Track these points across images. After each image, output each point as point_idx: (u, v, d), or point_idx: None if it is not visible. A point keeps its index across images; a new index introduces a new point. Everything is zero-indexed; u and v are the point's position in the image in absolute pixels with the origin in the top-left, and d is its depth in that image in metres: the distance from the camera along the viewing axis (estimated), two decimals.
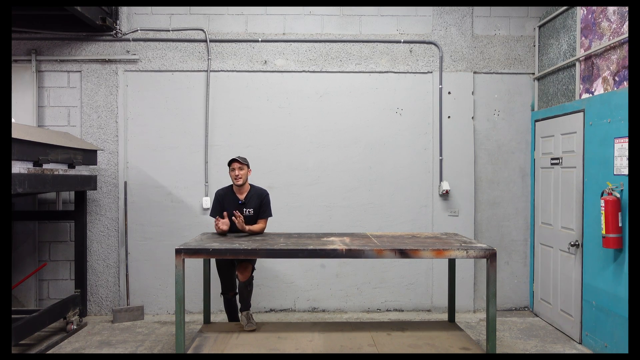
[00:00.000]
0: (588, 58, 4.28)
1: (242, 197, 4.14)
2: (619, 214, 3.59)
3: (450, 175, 5.23)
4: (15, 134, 3.46)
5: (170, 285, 5.11)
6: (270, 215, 4.22)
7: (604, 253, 3.88)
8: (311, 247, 3.46)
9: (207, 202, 5.11)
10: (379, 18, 5.28)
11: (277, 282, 5.24)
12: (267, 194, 4.23)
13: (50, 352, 4.10)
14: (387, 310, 5.28)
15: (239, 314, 4.14)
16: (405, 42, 5.25)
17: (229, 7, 5.22)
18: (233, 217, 3.92)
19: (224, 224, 3.93)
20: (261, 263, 5.08)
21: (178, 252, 3.38)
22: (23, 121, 4.93)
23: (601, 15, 4.09)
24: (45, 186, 3.94)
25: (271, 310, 5.24)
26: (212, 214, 4.15)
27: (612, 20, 3.95)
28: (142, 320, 4.98)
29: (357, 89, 5.27)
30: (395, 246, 3.47)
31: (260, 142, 5.22)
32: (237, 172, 4.04)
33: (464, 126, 5.25)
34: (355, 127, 5.26)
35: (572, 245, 4.35)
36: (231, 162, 4.05)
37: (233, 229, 4.09)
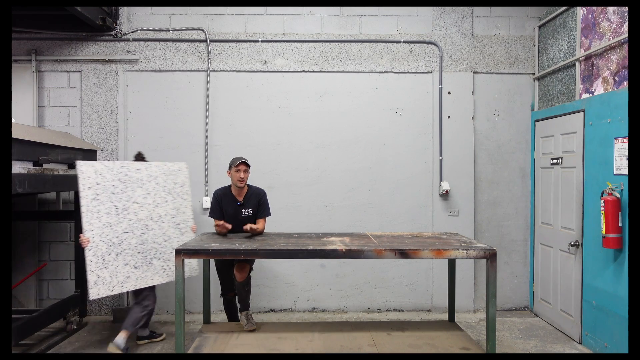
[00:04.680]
0: (588, 58, 4.28)
1: (240, 198, 4.13)
2: (619, 214, 3.59)
3: (450, 175, 5.23)
4: (15, 134, 3.47)
5: (170, 285, 5.11)
6: (269, 214, 4.22)
7: (604, 253, 3.88)
8: (311, 247, 3.46)
9: (207, 202, 5.11)
10: (379, 18, 5.28)
11: (277, 282, 5.24)
12: (265, 194, 4.23)
13: (50, 352, 4.10)
14: (387, 310, 5.28)
15: (239, 314, 4.14)
16: (405, 42, 5.25)
17: (229, 7, 5.22)
18: (247, 229, 3.92)
19: (224, 227, 3.94)
20: (261, 263, 5.08)
21: (178, 252, 3.38)
22: (23, 121, 4.94)
23: (601, 15, 4.09)
24: (45, 186, 3.94)
25: (271, 310, 5.24)
26: (212, 215, 4.15)
27: (612, 20, 3.94)
28: None
29: (357, 89, 5.27)
30: (395, 246, 3.47)
31: (260, 142, 5.22)
32: (242, 175, 4.02)
33: (464, 126, 5.25)
34: (355, 127, 5.26)
35: (572, 245, 4.35)
36: (239, 164, 4.01)
37: (232, 230, 4.09)
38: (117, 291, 3.85)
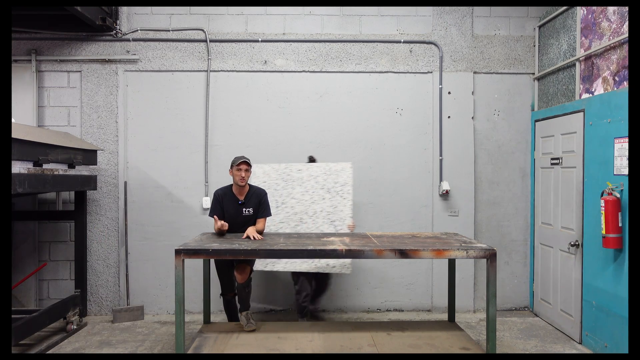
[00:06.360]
0: (588, 58, 4.28)
1: (241, 197, 4.14)
2: (619, 214, 3.59)
3: (450, 175, 5.23)
4: (15, 134, 3.47)
5: (170, 285, 5.11)
6: (270, 214, 4.22)
7: (604, 253, 3.87)
8: (311, 247, 3.46)
9: (207, 202, 5.11)
10: (379, 18, 5.28)
11: (277, 282, 5.24)
12: (266, 194, 4.23)
13: (50, 352, 4.10)
14: (387, 310, 5.28)
15: (239, 315, 4.14)
16: (405, 42, 5.25)
17: (229, 7, 5.22)
18: (250, 237, 3.85)
19: (223, 226, 3.93)
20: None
21: (178, 252, 3.38)
22: (23, 121, 4.93)
23: (601, 15, 4.09)
24: (45, 186, 3.94)
25: (271, 310, 5.24)
26: (212, 214, 4.15)
27: (612, 20, 3.94)
28: (142, 320, 4.98)
29: (357, 89, 5.27)
30: (395, 246, 3.47)
31: (260, 142, 5.22)
32: (243, 174, 4.03)
33: (464, 126, 5.25)
34: (355, 127, 5.26)
35: (572, 245, 4.35)
36: (240, 163, 4.02)
37: (233, 230, 4.09)
38: (268, 268, 4.52)
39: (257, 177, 4.70)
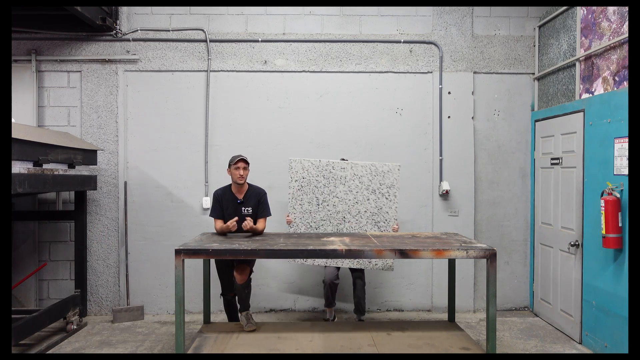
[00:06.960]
0: (588, 58, 4.28)
1: (240, 196, 4.14)
2: (619, 214, 3.59)
3: (450, 175, 5.23)
4: (15, 134, 3.47)
5: (170, 285, 5.11)
6: (269, 214, 4.22)
7: (604, 253, 3.88)
8: (311, 247, 3.46)
9: (207, 202, 5.11)
10: (379, 18, 5.28)
11: (277, 282, 5.24)
12: (265, 193, 4.24)
13: (50, 352, 4.10)
14: (387, 310, 5.28)
15: (239, 315, 4.14)
16: (405, 42, 5.25)
17: (229, 7, 5.22)
18: (245, 226, 3.93)
19: (234, 226, 3.94)
20: (261, 263, 5.08)
21: (178, 252, 3.38)
22: (23, 121, 4.94)
23: (601, 15, 4.09)
24: (45, 186, 3.94)
25: (271, 310, 5.24)
26: (212, 215, 4.16)
27: (612, 20, 3.94)
28: (142, 320, 4.98)
29: (357, 89, 5.27)
30: (395, 246, 3.47)
31: (260, 142, 5.22)
32: (241, 172, 4.05)
33: (464, 126, 5.25)
34: (355, 127, 5.26)
35: (572, 245, 4.35)
36: (238, 161, 4.04)
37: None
38: (308, 262, 4.48)
39: (296, 173, 4.53)
